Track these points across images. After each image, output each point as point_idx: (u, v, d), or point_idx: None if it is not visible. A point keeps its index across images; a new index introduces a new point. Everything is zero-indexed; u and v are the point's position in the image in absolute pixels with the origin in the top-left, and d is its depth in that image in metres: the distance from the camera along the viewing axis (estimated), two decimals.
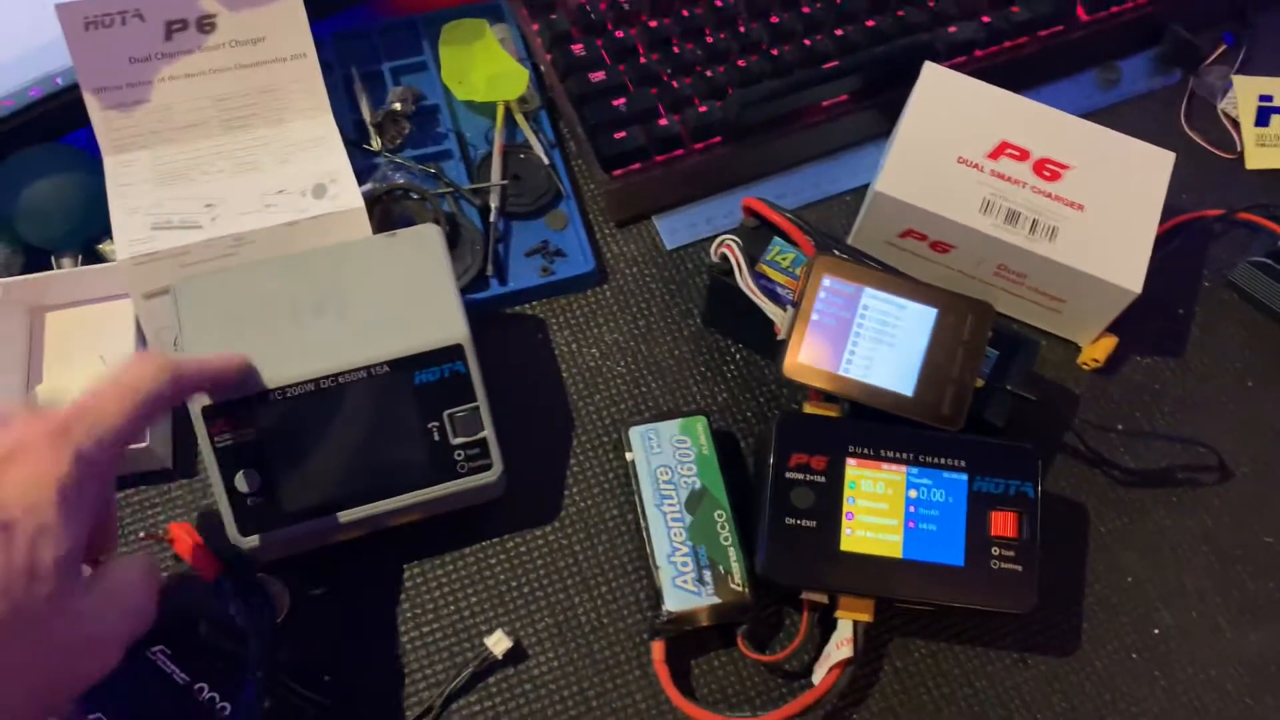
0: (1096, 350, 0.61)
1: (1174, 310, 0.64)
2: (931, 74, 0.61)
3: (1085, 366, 0.62)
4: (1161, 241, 0.64)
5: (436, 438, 0.50)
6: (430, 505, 0.51)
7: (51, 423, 0.38)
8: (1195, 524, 0.59)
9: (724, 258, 0.55)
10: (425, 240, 0.53)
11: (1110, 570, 0.57)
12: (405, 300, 0.51)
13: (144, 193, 0.59)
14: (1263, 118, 0.70)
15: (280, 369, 0.49)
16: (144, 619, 0.40)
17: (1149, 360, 0.63)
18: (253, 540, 0.48)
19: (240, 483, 0.48)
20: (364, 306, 0.51)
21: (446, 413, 0.50)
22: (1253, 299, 0.64)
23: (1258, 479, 0.60)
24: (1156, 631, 0.56)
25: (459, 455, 0.50)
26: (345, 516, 0.49)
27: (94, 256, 0.60)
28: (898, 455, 0.52)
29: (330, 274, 0.52)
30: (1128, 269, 0.57)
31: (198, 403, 0.48)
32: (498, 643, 0.52)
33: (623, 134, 0.63)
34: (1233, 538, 0.59)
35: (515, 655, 0.53)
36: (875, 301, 0.53)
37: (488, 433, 0.51)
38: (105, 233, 0.58)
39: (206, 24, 0.59)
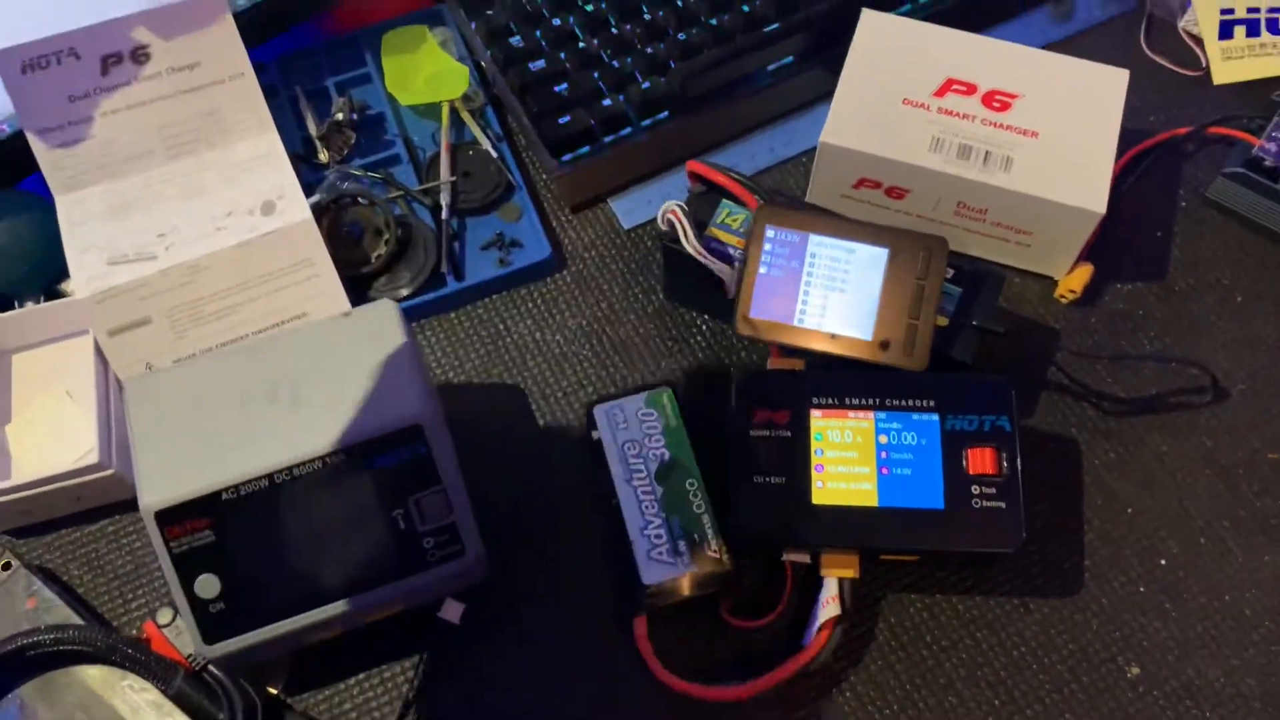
0: (1072, 281, 0.59)
1: (1152, 234, 0.62)
2: (870, 20, 0.60)
3: (1063, 299, 0.60)
4: (1132, 166, 0.63)
5: (402, 525, 0.46)
6: (404, 597, 0.48)
7: None
8: (1194, 447, 0.56)
9: (670, 224, 0.54)
10: (382, 316, 0.49)
11: (1109, 503, 0.55)
12: (361, 382, 0.47)
13: (97, 229, 0.59)
14: (1225, 31, 0.67)
15: (233, 465, 0.46)
16: None
17: (1130, 287, 0.61)
18: (220, 649, 0.46)
19: (201, 589, 0.45)
20: (318, 392, 0.47)
21: (412, 498, 0.47)
22: (1233, 212, 0.62)
23: (1255, 394, 0.58)
24: (1163, 562, 0.54)
25: (428, 543, 0.47)
26: (312, 617, 0.46)
27: (56, 297, 0.60)
28: (863, 401, 0.50)
29: (284, 360, 0.48)
30: (1089, 190, 0.55)
31: (151, 508, 0.45)
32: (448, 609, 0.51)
33: (567, 117, 0.63)
34: (1234, 457, 0.56)
35: (507, 649, 0.52)
36: (823, 248, 0.51)
37: (458, 516, 0.47)
38: (65, 273, 0.59)
39: (141, 55, 0.59)
